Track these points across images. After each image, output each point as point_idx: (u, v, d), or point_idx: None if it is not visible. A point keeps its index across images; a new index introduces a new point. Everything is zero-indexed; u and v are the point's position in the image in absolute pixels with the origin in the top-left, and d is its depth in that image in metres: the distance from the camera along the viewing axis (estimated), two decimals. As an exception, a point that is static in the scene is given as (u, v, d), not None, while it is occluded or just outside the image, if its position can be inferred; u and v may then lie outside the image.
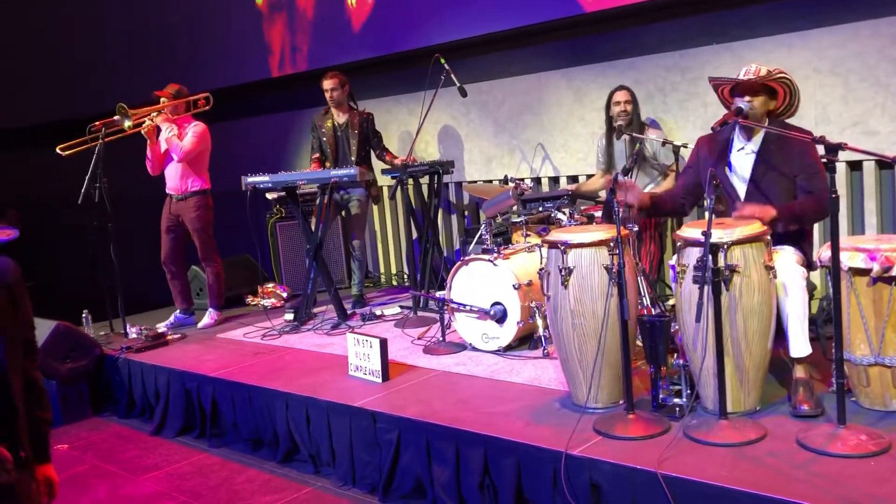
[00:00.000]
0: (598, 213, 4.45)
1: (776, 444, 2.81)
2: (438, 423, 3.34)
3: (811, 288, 3.48)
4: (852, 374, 3.05)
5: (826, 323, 3.62)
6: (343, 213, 6.05)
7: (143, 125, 5.43)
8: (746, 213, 3.18)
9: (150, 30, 8.24)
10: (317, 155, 5.85)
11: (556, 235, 3.37)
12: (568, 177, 5.60)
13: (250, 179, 5.29)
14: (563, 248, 3.27)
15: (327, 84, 5.74)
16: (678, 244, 3.13)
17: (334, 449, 3.76)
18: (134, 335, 5.35)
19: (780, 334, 3.18)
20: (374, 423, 3.57)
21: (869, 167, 4.38)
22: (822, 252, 3.08)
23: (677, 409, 3.17)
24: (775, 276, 3.05)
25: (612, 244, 3.15)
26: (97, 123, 5.29)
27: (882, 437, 2.71)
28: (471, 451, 3.21)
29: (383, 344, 3.98)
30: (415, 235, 5.92)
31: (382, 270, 7.00)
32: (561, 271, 3.27)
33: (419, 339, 4.71)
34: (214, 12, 7.52)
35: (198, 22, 7.69)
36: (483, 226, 4.79)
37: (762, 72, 3.26)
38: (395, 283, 6.80)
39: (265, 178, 5.27)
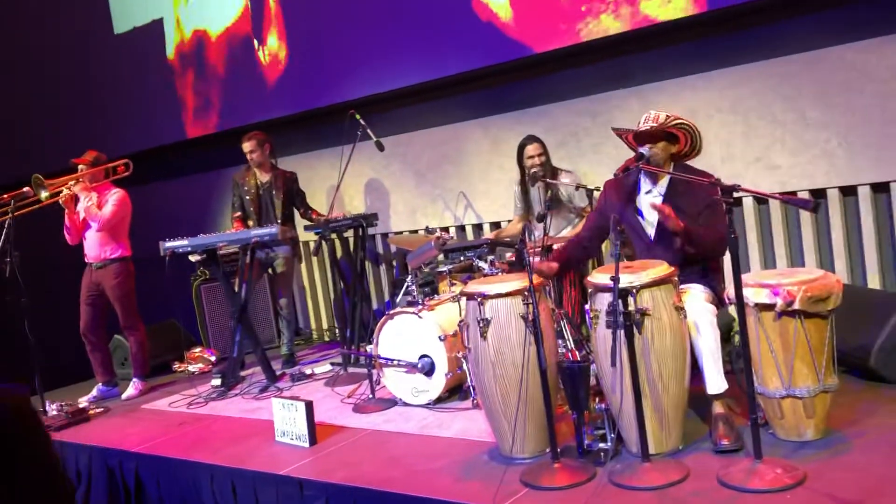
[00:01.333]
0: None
1: (698, 483, 2.84)
2: (367, 486, 3.28)
3: (729, 321, 3.56)
4: (767, 406, 3.12)
5: (739, 357, 3.70)
6: (270, 271, 5.98)
7: (61, 195, 5.30)
8: (667, 212, 3.26)
9: (61, 94, 8.07)
10: (238, 213, 5.78)
11: (472, 287, 3.38)
12: (491, 223, 5.65)
13: (168, 244, 5.18)
14: (479, 299, 3.28)
15: (247, 146, 5.71)
16: (589, 290, 3.17)
17: (263, 520, 3.66)
18: (54, 412, 5.13)
19: (697, 371, 3.24)
20: (301, 490, 3.48)
21: (774, 202, 4.54)
22: (729, 290, 3.16)
23: (602, 453, 3.18)
24: (686, 316, 3.11)
25: (526, 294, 3.17)
26: (5, 196, 5.13)
27: (797, 469, 2.76)
28: (400, 513, 3.15)
29: (309, 407, 3.91)
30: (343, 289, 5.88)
31: (314, 326, 6.92)
32: (479, 323, 3.27)
33: (349, 397, 4.64)
34: (128, 74, 7.44)
35: (112, 85, 7.59)
36: (409, 277, 4.79)
37: (661, 118, 3.36)
38: (326, 338, 6.72)
39: (184, 241, 5.17)
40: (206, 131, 6.85)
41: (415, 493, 3.12)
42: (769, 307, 3.00)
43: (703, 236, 3.29)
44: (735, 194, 2.83)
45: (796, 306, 2.94)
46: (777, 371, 3.04)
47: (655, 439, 3.08)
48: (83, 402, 5.40)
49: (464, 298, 3.46)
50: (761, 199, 4.59)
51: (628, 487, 2.87)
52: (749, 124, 4.53)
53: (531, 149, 4.79)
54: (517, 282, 3.29)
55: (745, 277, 3.06)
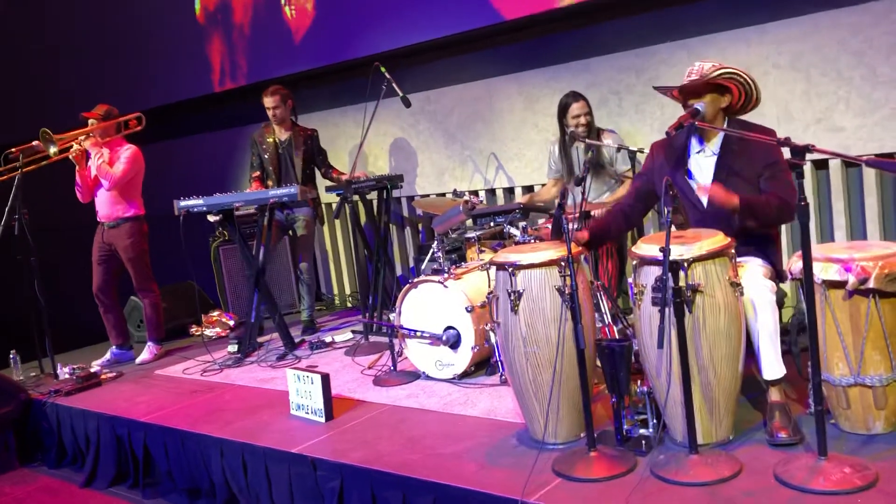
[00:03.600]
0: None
1: (753, 481, 2.53)
2: (384, 469, 3.02)
3: (781, 296, 3.22)
4: (830, 395, 2.79)
5: (800, 334, 3.37)
6: (290, 233, 5.72)
7: (71, 150, 5.05)
8: (713, 193, 2.92)
9: (89, 47, 7.80)
10: (257, 173, 5.51)
11: (503, 256, 3.07)
12: (523, 187, 5.31)
13: (183, 203, 4.93)
14: (510, 269, 2.97)
15: (269, 101, 5.41)
16: (633, 263, 2.84)
17: (274, 499, 3.42)
18: (66, 375, 4.95)
19: (752, 352, 2.92)
20: (315, 470, 3.24)
21: (835, 166, 4.15)
22: (792, 263, 2.82)
23: (643, 441, 2.88)
24: (742, 294, 2.77)
25: (563, 264, 2.85)
26: (14, 150, 4.90)
27: (868, 469, 2.44)
28: (419, 499, 2.89)
29: (325, 380, 3.65)
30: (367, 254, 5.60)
31: (336, 292, 6.66)
32: (510, 295, 2.97)
33: (369, 368, 4.38)
34: (150, 27, 7.14)
35: (132, 38, 7.29)
36: (435, 243, 4.49)
37: (706, 68, 3.00)
38: (349, 304, 6.46)
39: (199, 201, 4.92)
40: (231, 85, 6.55)
41: (436, 480, 2.85)
42: (839, 285, 2.66)
43: (765, 206, 2.93)
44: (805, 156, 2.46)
45: (870, 284, 2.59)
46: (844, 356, 2.70)
47: (704, 429, 2.77)
48: (96, 365, 5.21)
49: (493, 268, 3.15)
50: (820, 164, 4.20)
51: (674, 482, 2.57)
52: (810, 81, 4.13)
53: (577, 107, 4.40)
54: (553, 251, 2.97)
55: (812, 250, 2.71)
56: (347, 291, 6.58)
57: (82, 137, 5.06)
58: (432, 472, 2.91)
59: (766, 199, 2.95)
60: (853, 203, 4.16)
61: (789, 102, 4.19)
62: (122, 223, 5.16)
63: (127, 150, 5.16)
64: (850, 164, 4.10)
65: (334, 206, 6.00)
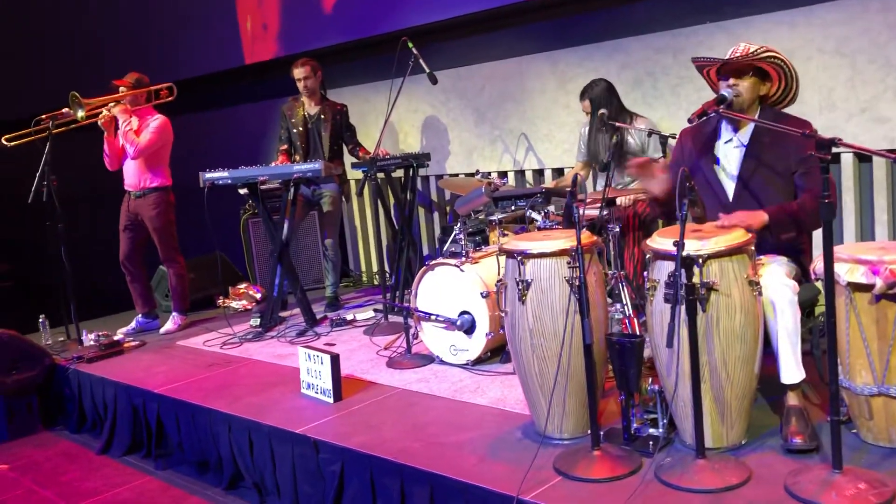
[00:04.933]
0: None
1: (761, 491, 2.40)
2: (383, 456, 2.96)
3: (814, 294, 3.05)
4: (852, 404, 2.64)
5: (823, 336, 3.20)
6: (317, 209, 5.68)
7: (100, 115, 5.05)
8: (734, 221, 2.74)
9: (120, 15, 7.82)
10: (285, 146, 5.46)
11: (512, 243, 2.96)
12: (553, 169, 5.17)
13: (208, 175, 4.91)
14: (519, 258, 2.86)
15: (299, 72, 5.35)
16: (648, 256, 2.71)
17: (277, 478, 3.40)
18: (91, 343, 5.01)
19: (769, 351, 2.77)
20: (317, 452, 3.20)
21: (879, 158, 3.93)
22: (816, 264, 2.66)
23: (651, 442, 2.77)
24: (761, 293, 2.63)
25: (573, 254, 2.74)
26: (44, 116, 4.93)
27: (885, 486, 2.29)
28: (416, 489, 2.83)
29: (335, 361, 3.60)
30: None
31: (364, 269, 6.62)
32: (518, 284, 2.87)
33: (385, 349, 4.33)
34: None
35: (164, 9, 7.29)
36: (458, 225, 4.40)
37: (751, 49, 2.83)
38: (375, 282, 6.42)
39: (224, 173, 4.90)
40: (262, 58, 6.51)
41: (434, 470, 2.78)
42: (865, 288, 2.49)
43: (798, 213, 2.77)
44: (834, 149, 2.30)
45: (900, 289, 2.42)
46: (869, 364, 2.54)
47: (714, 433, 2.65)
48: (120, 333, 5.26)
49: (503, 255, 3.05)
50: (863, 157, 3.99)
51: (677, 488, 2.46)
52: (856, 68, 3.90)
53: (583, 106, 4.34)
54: (563, 240, 2.86)
55: (837, 250, 2.55)
56: (374, 269, 6.54)
57: (112, 104, 5.06)
58: (432, 462, 2.85)
59: (799, 205, 2.78)
60: (896, 199, 3.94)
61: (833, 90, 3.97)
62: (148, 193, 5.17)
63: (156, 120, 5.16)
64: (896, 156, 3.87)
65: (354, 183, 5.96)
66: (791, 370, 2.70)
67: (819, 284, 3.19)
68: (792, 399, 2.75)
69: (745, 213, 2.77)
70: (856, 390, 2.59)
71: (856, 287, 2.51)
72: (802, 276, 2.93)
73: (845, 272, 2.50)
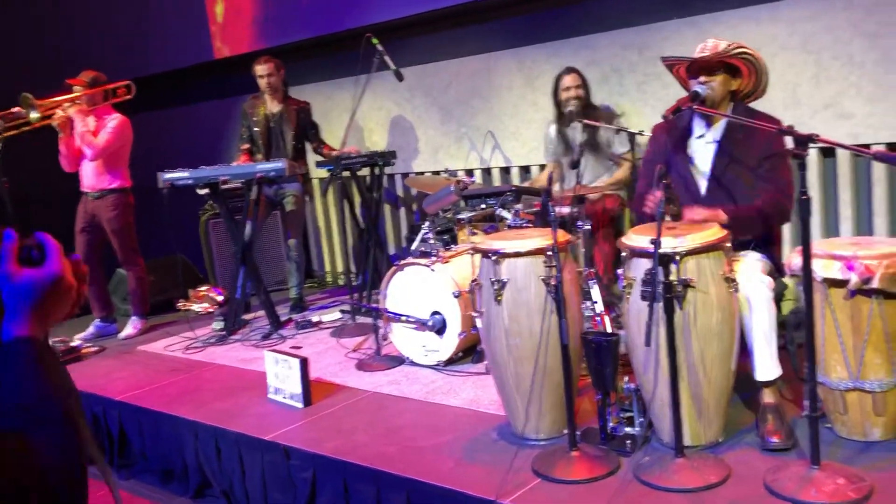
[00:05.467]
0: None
1: (741, 489, 2.39)
2: (358, 462, 2.90)
3: (781, 289, 3.06)
4: (827, 399, 2.64)
5: (798, 329, 3.22)
6: (280, 209, 5.57)
7: (54, 116, 4.88)
8: (695, 217, 2.75)
9: (61, 13, 7.54)
10: (246, 146, 5.34)
11: (487, 243, 2.92)
12: (520, 167, 5.14)
13: (167, 176, 4.78)
14: (494, 257, 2.82)
15: (262, 69, 5.23)
16: (623, 254, 2.69)
17: (246, 486, 3.31)
18: (47, 349, 4.83)
19: (746, 350, 2.77)
20: (288, 459, 3.12)
21: (843, 154, 3.97)
22: (792, 259, 2.66)
23: (628, 441, 2.75)
24: (737, 290, 2.62)
25: (549, 254, 2.70)
26: (-7, 116, 4.75)
27: (863, 480, 2.30)
28: (392, 495, 2.77)
29: (304, 364, 3.52)
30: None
31: (328, 269, 6.52)
32: (493, 284, 2.82)
33: (353, 351, 4.25)
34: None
35: (121, 5, 7.08)
36: (426, 224, 4.34)
37: (720, 46, 2.82)
38: (340, 282, 6.32)
39: (184, 173, 4.77)
40: (223, 55, 6.36)
41: (410, 476, 2.72)
42: (840, 283, 2.50)
43: (757, 216, 2.79)
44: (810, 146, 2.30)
45: (874, 284, 2.43)
46: (843, 359, 2.55)
47: (692, 431, 2.64)
48: (77, 339, 5.10)
49: (478, 255, 3.00)
50: (827, 151, 4.02)
51: (658, 488, 2.44)
52: (820, 65, 3.94)
53: (568, 79, 4.24)
54: (539, 239, 2.82)
55: (812, 246, 2.55)
56: (340, 269, 6.44)
57: (67, 104, 4.89)
58: (408, 467, 2.79)
59: (758, 207, 2.80)
60: (861, 194, 3.98)
61: (797, 86, 4.00)
62: (106, 194, 5.02)
63: (114, 120, 5.00)
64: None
65: (323, 181, 5.85)
66: (767, 367, 2.70)
67: (787, 280, 3.21)
68: (768, 396, 2.75)
69: (707, 211, 2.77)
70: (831, 385, 2.60)
71: (831, 283, 2.52)
72: (775, 271, 2.93)
73: (820, 268, 2.51)
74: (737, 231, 2.74)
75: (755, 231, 2.84)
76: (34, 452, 0.94)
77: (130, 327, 5.23)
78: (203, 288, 5.84)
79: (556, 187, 4.48)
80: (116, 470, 3.95)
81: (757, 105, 3.04)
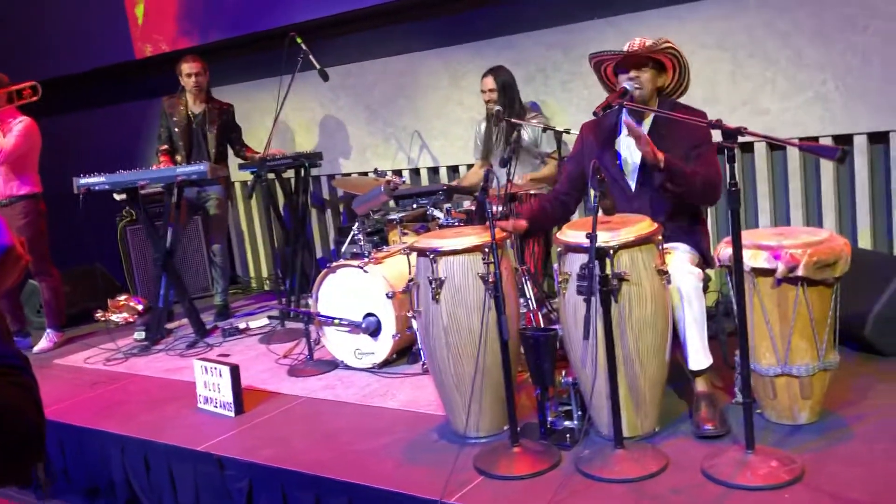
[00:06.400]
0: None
1: (680, 476, 2.44)
2: (295, 468, 2.83)
3: (706, 281, 3.15)
4: (758, 385, 2.72)
5: (726, 317, 3.31)
6: (202, 213, 5.42)
7: (-46, 121, 4.62)
8: (646, 140, 2.78)
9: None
10: (165, 146, 5.14)
11: (424, 241, 2.90)
12: (448, 167, 5.14)
13: (83, 181, 4.58)
14: (432, 256, 2.80)
15: (191, 68, 5.03)
16: (558, 249, 2.71)
17: (178, 499, 3.19)
18: (-46, 366, 4.56)
19: (678, 341, 2.83)
20: (222, 469, 3.02)
21: (760, 148, 4.11)
22: (720, 249, 2.73)
23: (568, 434, 2.77)
24: (669, 282, 2.67)
25: (486, 251, 2.70)
26: None
27: (794, 462, 2.38)
28: (333, 501, 2.72)
29: (235, 372, 3.42)
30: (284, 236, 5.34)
31: (252, 274, 6.38)
32: (431, 283, 2.80)
33: (284, 357, 4.16)
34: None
35: (33, 5, 6.76)
36: (356, 225, 4.29)
37: (648, 42, 2.88)
38: (266, 288, 6.19)
39: (101, 178, 4.58)
40: (142, 55, 6.13)
41: (351, 480, 2.68)
42: (767, 272, 2.58)
43: (690, 176, 2.80)
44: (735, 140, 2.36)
45: (799, 272, 2.52)
46: (772, 346, 2.64)
47: (630, 422, 2.68)
48: (-12, 355, 4.82)
49: (414, 254, 2.98)
50: (745, 147, 4.16)
51: (599, 479, 2.47)
52: (737, 62, 4.07)
53: (485, 82, 4.29)
54: (476, 236, 2.81)
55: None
56: (265, 274, 6.31)
57: (-33, 108, 4.63)
58: (347, 471, 2.75)
59: (691, 171, 2.83)
60: (777, 187, 4.14)
61: (716, 84, 4.13)
62: (15, 201, 4.77)
63: (20, 123, 4.76)
64: (776, 147, 4.06)
65: (248, 184, 5.72)
66: (699, 357, 2.76)
67: (711, 271, 3.29)
68: (700, 385, 2.81)
69: (652, 145, 2.78)
70: (760, 371, 2.68)
71: (758, 272, 2.60)
72: (703, 263, 3.00)
73: (748, 258, 2.58)
74: (668, 180, 2.76)
75: (684, 189, 2.81)
76: (31, 388, 1.10)
77: (45, 340, 4.99)
78: (122, 297, 5.60)
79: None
80: (35, 490, 3.75)
81: (681, 101, 3.12)
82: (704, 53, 4.12)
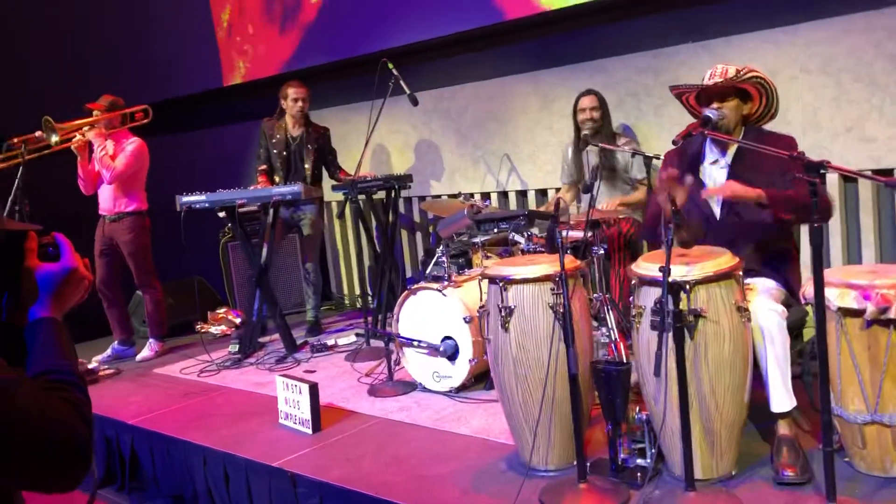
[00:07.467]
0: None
1: (753, 525, 2.32)
2: (363, 490, 2.86)
3: (803, 316, 2.98)
4: (845, 432, 2.56)
5: (814, 358, 3.13)
6: (297, 232, 5.59)
7: (73, 140, 4.95)
8: (726, 192, 2.70)
9: (87, 37, 7.65)
10: (264, 167, 5.34)
11: (494, 269, 2.88)
12: (536, 190, 5.11)
13: (185, 199, 4.81)
14: (501, 283, 2.78)
15: (297, 93, 5.21)
16: (633, 282, 2.64)
17: (254, 513, 3.28)
18: (64, 371, 4.86)
19: (757, 377, 2.69)
20: (295, 486, 3.09)
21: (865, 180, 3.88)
22: (806, 289, 2.59)
23: (639, 473, 2.68)
24: (749, 319, 2.55)
25: (557, 280, 2.66)
26: (16, 140, 4.81)
27: (881, 519, 2.22)
28: (397, 525, 2.72)
29: (314, 390, 3.49)
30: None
31: (346, 292, 6.52)
32: (501, 311, 2.78)
33: (366, 376, 4.22)
34: (159, 16, 7.03)
35: (139, 30, 7.18)
36: (440, 247, 4.32)
37: (730, 71, 2.78)
38: (358, 305, 6.31)
39: (201, 197, 4.80)
40: (240, 80, 6.43)
41: (415, 506, 2.68)
42: (857, 313, 2.43)
43: (795, 197, 2.63)
44: (822, 172, 2.24)
45: (892, 314, 2.36)
46: (861, 391, 2.47)
47: (704, 463, 2.57)
48: (95, 361, 5.12)
49: (485, 281, 2.97)
50: (849, 177, 3.94)
51: (666, 523, 2.37)
52: (841, 87, 3.87)
53: (586, 100, 4.22)
54: (548, 265, 2.78)
55: (827, 274, 2.48)
56: (357, 292, 6.43)
57: (86, 128, 4.96)
58: (413, 497, 2.75)
59: (794, 193, 2.66)
60: (884, 219, 3.89)
61: (818, 109, 3.93)
62: (123, 217, 5.06)
63: (132, 144, 5.06)
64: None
65: (339, 204, 5.85)
66: (781, 399, 2.62)
67: (808, 307, 3.12)
68: (783, 428, 2.67)
69: (740, 186, 2.68)
70: (848, 418, 2.52)
71: (846, 312, 2.45)
72: (791, 298, 2.86)
73: (835, 297, 2.44)
74: (778, 208, 2.65)
75: (794, 209, 2.67)
76: (80, 404, 1.17)
77: (147, 350, 5.26)
78: (221, 310, 5.83)
79: (573, 210, 4.44)
80: (128, 494, 3.94)
81: (777, 129, 2.98)
82: (805, 78, 3.94)
